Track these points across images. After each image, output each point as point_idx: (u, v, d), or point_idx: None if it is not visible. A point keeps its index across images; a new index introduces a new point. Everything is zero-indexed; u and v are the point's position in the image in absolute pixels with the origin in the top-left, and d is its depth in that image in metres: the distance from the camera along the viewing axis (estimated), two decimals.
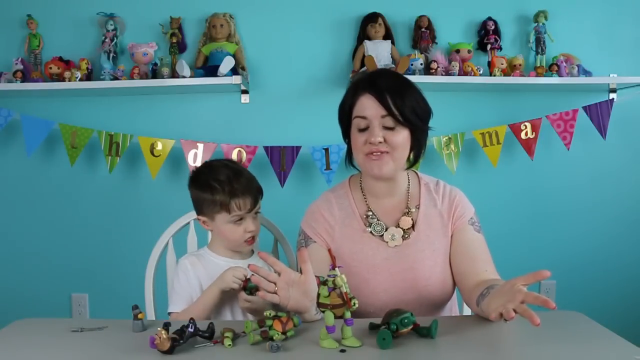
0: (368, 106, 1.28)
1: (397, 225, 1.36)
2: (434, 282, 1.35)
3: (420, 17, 2.49)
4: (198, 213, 1.49)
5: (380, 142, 1.26)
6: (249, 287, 1.35)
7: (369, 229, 1.37)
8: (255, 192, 1.44)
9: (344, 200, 1.42)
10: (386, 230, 1.36)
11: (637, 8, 2.59)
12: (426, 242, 1.36)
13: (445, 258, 1.37)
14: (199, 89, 2.43)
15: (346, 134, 1.38)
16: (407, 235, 1.36)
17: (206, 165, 1.52)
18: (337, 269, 1.07)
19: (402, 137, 1.28)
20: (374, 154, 1.28)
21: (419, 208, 1.39)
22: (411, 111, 1.28)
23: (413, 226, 1.37)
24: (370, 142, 1.27)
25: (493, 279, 1.29)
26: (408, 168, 1.39)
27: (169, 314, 1.43)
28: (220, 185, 1.40)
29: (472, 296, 1.25)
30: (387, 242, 1.35)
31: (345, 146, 1.42)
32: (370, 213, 1.38)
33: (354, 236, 1.38)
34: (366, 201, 1.41)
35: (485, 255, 1.35)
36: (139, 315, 1.19)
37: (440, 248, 1.37)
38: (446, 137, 2.47)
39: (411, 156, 1.35)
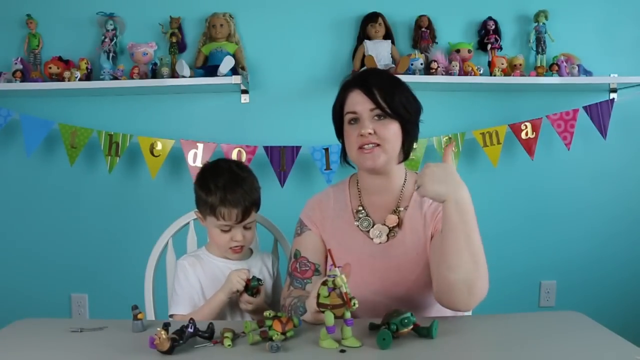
0: (357, 101, 1.32)
1: (384, 223, 1.38)
2: (418, 284, 1.33)
3: (421, 16, 2.49)
4: (196, 207, 1.50)
5: (370, 134, 1.29)
6: (251, 286, 1.37)
7: (357, 223, 1.39)
8: (247, 206, 1.41)
9: (341, 194, 1.45)
10: (373, 226, 1.38)
11: (637, 8, 2.59)
12: (411, 245, 1.35)
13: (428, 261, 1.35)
14: (199, 88, 2.43)
15: (339, 133, 1.41)
16: (393, 234, 1.36)
17: (214, 164, 1.51)
18: (337, 268, 1.07)
19: (392, 129, 1.31)
20: (366, 146, 1.30)
21: (407, 209, 1.38)
22: (399, 104, 1.31)
23: (399, 225, 1.37)
24: (360, 134, 1.30)
25: None
26: (401, 162, 1.39)
27: (171, 316, 1.43)
28: (214, 189, 1.41)
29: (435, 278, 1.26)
30: (372, 238, 1.36)
31: None
32: (361, 208, 1.41)
33: (344, 229, 1.39)
34: (360, 196, 1.43)
35: None
36: (139, 316, 1.19)
37: (423, 252, 1.35)
38: (446, 137, 2.47)
39: (404, 149, 1.37)
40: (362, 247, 1.36)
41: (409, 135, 1.35)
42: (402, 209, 1.39)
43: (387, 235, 1.37)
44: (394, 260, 1.34)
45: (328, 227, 1.41)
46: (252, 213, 1.45)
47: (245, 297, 1.37)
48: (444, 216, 1.17)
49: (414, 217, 1.37)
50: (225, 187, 1.40)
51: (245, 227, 1.45)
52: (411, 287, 1.34)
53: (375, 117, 1.31)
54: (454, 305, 1.21)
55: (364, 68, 2.35)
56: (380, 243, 1.36)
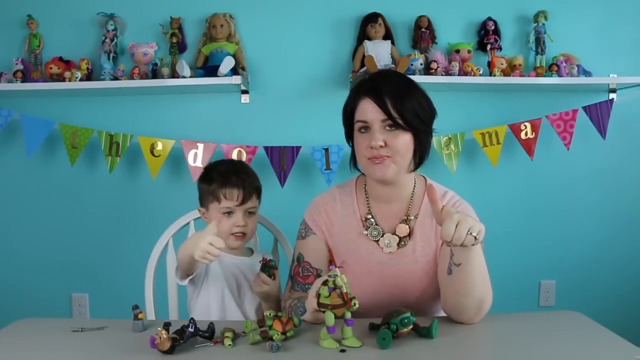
0: (368, 110, 1.27)
1: (394, 232, 1.35)
2: (425, 294, 1.34)
3: (420, 17, 2.49)
4: (200, 204, 1.53)
5: (381, 146, 1.25)
6: (269, 265, 1.36)
7: (366, 232, 1.36)
8: (248, 188, 1.46)
9: (347, 198, 1.41)
10: (382, 235, 1.35)
11: (636, 8, 2.59)
12: (421, 253, 1.33)
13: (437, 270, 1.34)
14: (199, 89, 2.43)
15: (349, 136, 1.37)
16: (403, 243, 1.34)
17: (216, 161, 1.59)
18: (337, 269, 1.07)
19: (404, 140, 1.26)
20: (377, 158, 1.26)
21: (417, 217, 1.36)
22: (413, 114, 1.25)
23: (410, 234, 1.35)
24: (371, 146, 1.26)
25: None
26: (413, 170, 1.35)
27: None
28: (216, 177, 1.46)
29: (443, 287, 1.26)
30: (382, 248, 1.34)
31: (348, 147, 1.41)
32: (370, 216, 1.37)
33: (351, 236, 1.37)
34: (368, 203, 1.39)
35: None
36: (139, 315, 1.19)
37: (433, 260, 1.33)
38: (446, 137, 2.47)
39: (415, 159, 1.32)
40: (370, 255, 1.34)
41: (422, 144, 1.30)
42: (412, 217, 1.36)
43: (397, 244, 1.34)
44: (403, 268, 1.33)
45: (335, 232, 1.38)
46: (254, 198, 1.48)
47: (263, 276, 1.36)
48: (464, 250, 1.11)
49: (425, 225, 1.35)
50: (227, 172, 1.47)
51: (247, 214, 1.47)
52: (420, 295, 1.33)
53: (387, 128, 1.26)
54: (461, 320, 1.22)
55: (364, 69, 2.36)
56: (390, 252, 1.34)
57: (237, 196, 1.44)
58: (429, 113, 1.31)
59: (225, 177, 1.45)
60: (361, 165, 1.34)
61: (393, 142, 1.25)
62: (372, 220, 1.37)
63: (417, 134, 1.28)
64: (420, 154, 1.32)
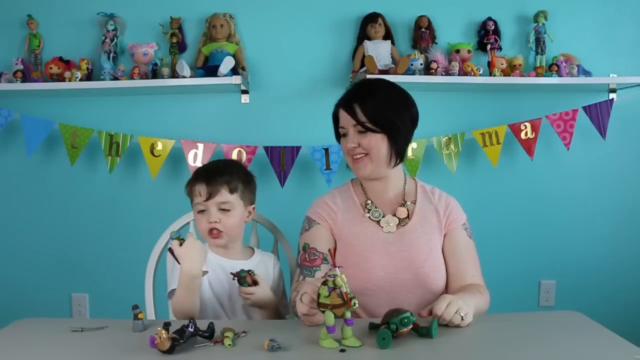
0: (343, 118, 1.45)
1: (394, 215, 1.47)
2: (430, 264, 1.42)
3: (420, 17, 2.49)
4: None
5: (354, 147, 1.42)
6: (240, 277, 1.35)
7: (368, 215, 1.47)
8: (216, 183, 1.42)
9: (346, 193, 1.53)
10: (383, 217, 1.47)
11: (637, 8, 2.59)
12: (421, 231, 1.45)
13: (440, 251, 1.46)
14: (199, 89, 2.43)
15: (338, 137, 1.52)
16: (403, 224, 1.46)
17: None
18: (337, 269, 1.07)
19: (375, 140, 1.41)
20: (355, 157, 1.44)
21: (414, 203, 1.50)
22: (382, 118, 1.40)
23: (409, 216, 1.47)
24: (347, 147, 1.44)
25: (476, 284, 1.39)
26: (395, 165, 1.46)
27: (172, 292, 1.37)
28: (193, 176, 1.48)
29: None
30: (382, 227, 1.45)
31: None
32: (369, 202, 1.50)
33: (355, 220, 1.47)
34: (366, 194, 1.52)
35: (474, 261, 1.46)
36: (139, 315, 1.20)
37: (435, 239, 1.46)
38: (446, 137, 2.47)
39: (393, 155, 1.43)
40: (374, 234, 1.45)
41: (397, 143, 1.43)
42: (409, 202, 1.50)
43: (397, 225, 1.46)
44: (406, 244, 1.43)
45: (339, 220, 1.48)
46: (224, 192, 1.43)
47: (243, 289, 1.35)
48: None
49: (424, 207, 1.49)
50: (199, 170, 1.49)
51: (221, 210, 1.43)
52: (423, 266, 1.42)
53: (359, 131, 1.41)
54: None
55: (364, 69, 2.36)
56: (390, 232, 1.45)
57: (199, 192, 1.43)
58: (403, 113, 1.43)
59: (195, 174, 1.47)
60: (348, 164, 1.50)
61: (364, 142, 1.42)
62: (372, 205, 1.49)
63: (390, 134, 1.41)
64: (397, 151, 1.44)
